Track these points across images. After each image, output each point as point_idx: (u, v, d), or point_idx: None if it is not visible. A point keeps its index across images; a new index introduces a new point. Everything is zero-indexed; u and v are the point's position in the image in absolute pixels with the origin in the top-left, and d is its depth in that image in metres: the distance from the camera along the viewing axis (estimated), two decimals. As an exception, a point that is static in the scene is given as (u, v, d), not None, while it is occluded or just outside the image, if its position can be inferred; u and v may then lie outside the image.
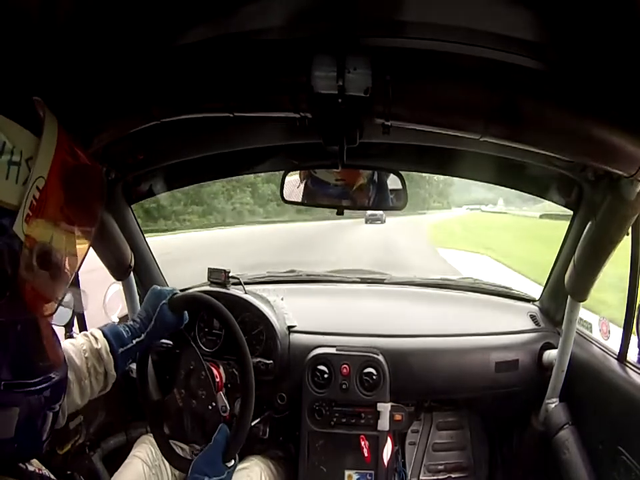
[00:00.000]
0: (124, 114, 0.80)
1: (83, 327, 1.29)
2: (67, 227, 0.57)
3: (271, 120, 1.01)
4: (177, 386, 1.03)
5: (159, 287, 1.02)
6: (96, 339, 0.89)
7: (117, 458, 1.17)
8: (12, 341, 0.54)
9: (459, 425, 1.72)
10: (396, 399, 1.36)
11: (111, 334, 0.91)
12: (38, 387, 0.56)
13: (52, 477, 0.65)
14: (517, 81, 0.72)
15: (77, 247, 0.60)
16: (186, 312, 1.03)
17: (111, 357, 0.89)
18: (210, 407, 1.00)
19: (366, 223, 21.28)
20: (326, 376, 1.35)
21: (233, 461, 0.93)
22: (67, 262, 0.58)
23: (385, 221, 21.83)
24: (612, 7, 0.56)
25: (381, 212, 21.12)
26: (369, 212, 20.42)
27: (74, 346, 0.86)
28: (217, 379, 1.07)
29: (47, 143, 0.53)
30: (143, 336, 0.95)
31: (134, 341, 0.93)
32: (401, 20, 0.70)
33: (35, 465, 0.64)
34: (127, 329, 0.94)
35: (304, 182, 1.21)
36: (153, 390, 1.06)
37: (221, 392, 1.05)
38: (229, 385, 1.13)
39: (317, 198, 1.22)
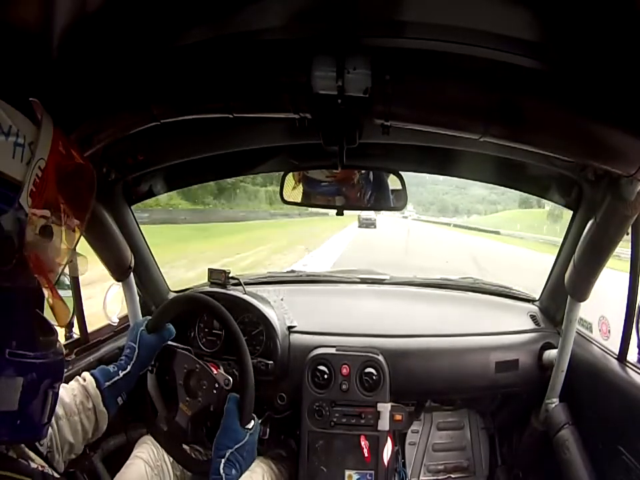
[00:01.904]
0: (124, 115, 0.80)
1: (83, 327, 1.29)
2: (64, 209, 0.63)
3: (270, 120, 1.01)
4: (180, 400, 1.02)
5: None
6: (84, 379, 0.95)
7: (117, 458, 1.17)
8: (17, 309, 0.58)
9: (459, 425, 1.72)
10: (396, 399, 1.36)
11: (98, 372, 0.97)
12: (40, 361, 0.59)
13: (55, 474, 0.66)
14: (517, 81, 0.72)
15: (74, 226, 0.66)
16: (171, 326, 1.07)
17: (97, 391, 0.93)
18: (215, 391, 1.00)
19: (359, 227, 21.20)
20: (326, 376, 1.35)
21: (252, 422, 0.94)
22: (66, 235, 0.64)
23: (377, 226, 21.84)
24: (612, 7, 0.56)
25: (374, 216, 21.15)
26: (363, 215, 20.41)
27: (64, 388, 0.90)
28: (213, 370, 1.06)
29: (45, 133, 0.59)
30: (129, 367, 0.99)
31: (120, 374, 0.98)
32: (401, 20, 0.70)
33: (37, 462, 0.65)
34: (114, 365, 1.00)
35: (300, 182, 1.21)
36: (161, 417, 1.06)
37: (219, 370, 1.05)
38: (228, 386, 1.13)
39: (314, 198, 1.23)
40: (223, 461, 0.87)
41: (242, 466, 0.89)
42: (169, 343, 1.13)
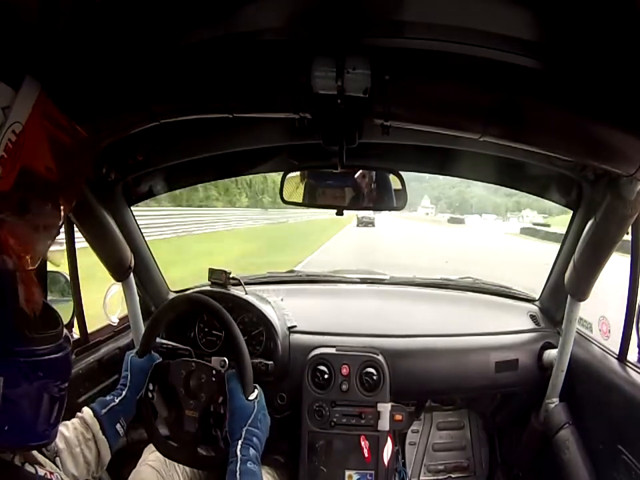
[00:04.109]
0: (124, 115, 0.80)
1: (83, 327, 1.29)
2: (47, 180, 0.56)
3: (270, 121, 1.01)
4: (185, 407, 1.01)
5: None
6: (82, 412, 0.95)
7: (118, 461, 1.16)
8: None
9: (459, 425, 1.72)
10: (396, 399, 1.36)
11: (95, 403, 0.98)
12: (26, 359, 0.54)
13: (65, 479, 0.64)
14: (517, 80, 0.72)
15: (60, 202, 0.59)
16: (154, 353, 1.08)
17: (95, 420, 0.93)
18: (214, 379, 1.00)
19: (357, 225, 21.18)
20: (326, 376, 1.35)
21: (255, 391, 0.96)
22: (47, 214, 0.57)
23: (375, 224, 21.79)
24: (611, 7, 0.56)
25: (372, 215, 21.08)
26: (361, 214, 20.29)
27: (65, 425, 0.90)
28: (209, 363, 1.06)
29: (24, 96, 0.53)
30: (124, 392, 1.00)
31: (116, 400, 0.98)
32: (401, 20, 0.70)
33: (45, 469, 0.63)
34: (111, 394, 1.00)
35: (304, 179, 1.20)
36: (162, 420, 1.05)
37: (213, 358, 1.05)
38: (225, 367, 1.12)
39: (318, 194, 1.22)
40: (240, 442, 0.88)
41: (260, 438, 0.91)
42: (166, 343, 1.13)
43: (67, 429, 0.89)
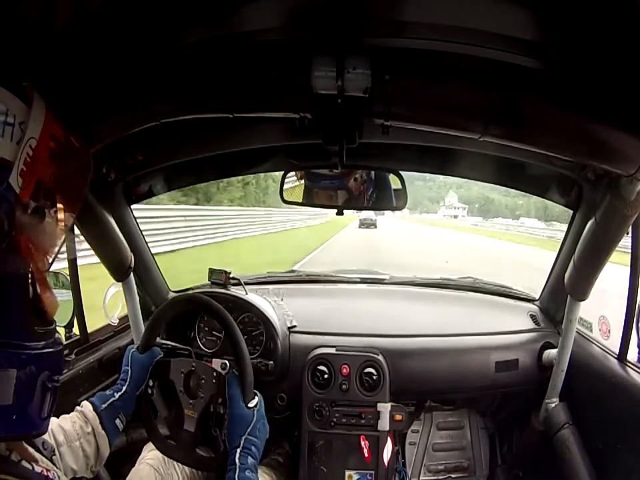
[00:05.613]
0: (124, 114, 0.80)
1: (83, 327, 1.29)
2: (57, 190, 0.60)
3: (270, 120, 1.01)
4: (184, 406, 1.01)
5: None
6: (82, 406, 0.95)
7: (118, 460, 1.16)
8: (7, 296, 0.55)
9: (459, 425, 1.72)
10: (396, 399, 1.36)
11: (95, 397, 0.98)
12: (35, 352, 0.57)
13: (62, 477, 0.65)
14: (517, 80, 0.72)
15: (68, 209, 0.63)
16: (157, 348, 1.08)
17: (94, 414, 0.93)
18: (214, 380, 1.00)
19: (360, 227, 21.28)
20: (326, 376, 1.35)
21: (255, 398, 0.96)
22: (59, 218, 0.61)
23: (377, 226, 21.83)
24: (612, 7, 0.56)
25: (374, 217, 21.15)
26: (363, 216, 20.39)
27: (63, 417, 0.91)
28: (209, 364, 1.05)
29: (37, 112, 0.56)
30: (124, 388, 1.00)
31: (116, 395, 0.98)
32: (401, 20, 0.70)
33: (41, 466, 0.64)
34: (111, 389, 1.00)
35: (302, 180, 1.21)
36: (161, 419, 1.05)
37: (214, 360, 1.05)
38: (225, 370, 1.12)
39: (315, 195, 1.22)
40: (238, 450, 0.89)
41: (258, 447, 0.91)
42: (165, 343, 1.12)
43: (67, 423, 0.89)
